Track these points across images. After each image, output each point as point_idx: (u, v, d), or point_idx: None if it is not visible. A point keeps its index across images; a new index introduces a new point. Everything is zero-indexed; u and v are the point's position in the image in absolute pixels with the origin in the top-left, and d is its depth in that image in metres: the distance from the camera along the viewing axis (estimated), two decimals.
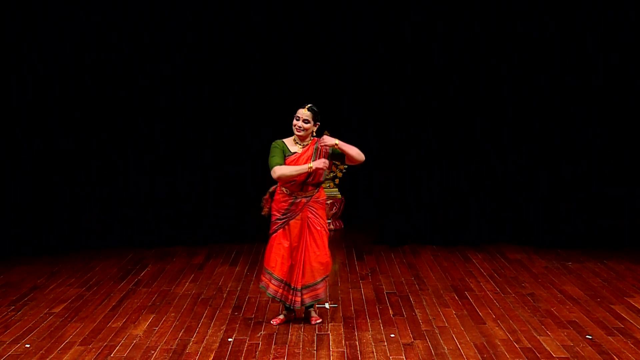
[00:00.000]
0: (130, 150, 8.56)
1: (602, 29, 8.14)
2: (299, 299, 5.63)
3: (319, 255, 5.63)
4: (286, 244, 5.62)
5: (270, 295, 5.71)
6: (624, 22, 8.11)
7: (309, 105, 5.56)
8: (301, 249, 5.62)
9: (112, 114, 8.51)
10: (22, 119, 8.30)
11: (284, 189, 5.61)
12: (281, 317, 5.80)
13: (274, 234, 5.67)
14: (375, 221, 8.88)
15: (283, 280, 5.63)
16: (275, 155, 5.53)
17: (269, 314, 6.04)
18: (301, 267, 5.62)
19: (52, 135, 8.38)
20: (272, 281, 5.66)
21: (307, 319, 5.80)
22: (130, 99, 8.51)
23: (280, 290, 5.65)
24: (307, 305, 5.72)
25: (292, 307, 5.72)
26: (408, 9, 8.39)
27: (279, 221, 5.64)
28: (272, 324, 5.73)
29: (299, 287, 5.62)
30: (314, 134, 5.66)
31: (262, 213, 5.79)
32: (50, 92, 8.35)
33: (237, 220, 8.64)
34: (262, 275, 5.77)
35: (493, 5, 8.29)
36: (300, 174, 5.47)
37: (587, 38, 8.18)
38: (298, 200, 5.60)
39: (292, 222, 5.62)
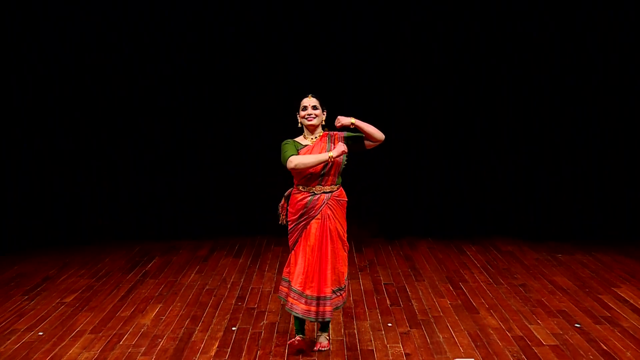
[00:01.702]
0: (137, 150, 8.44)
1: (602, 29, 7.95)
2: (314, 308, 4.86)
3: (336, 265, 4.93)
4: (308, 249, 4.89)
5: (295, 314, 4.95)
6: (624, 22, 7.93)
7: (311, 93, 5.02)
8: (322, 255, 4.89)
9: (112, 113, 8.34)
10: (22, 118, 8.12)
11: (300, 186, 4.95)
12: (299, 338, 5.03)
13: (295, 246, 4.96)
14: (374, 216, 8.81)
15: (302, 292, 4.88)
16: (287, 150, 4.87)
17: (271, 304, 6.04)
18: (317, 276, 4.86)
19: (60, 135, 8.25)
20: (292, 295, 4.92)
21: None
22: (130, 99, 8.34)
23: (302, 306, 4.88)
24: (322, 321, 4.95)
25: (305, 320, 5.00)
26: (408, 9, 8.20)
27: (297, 228, 4.94)
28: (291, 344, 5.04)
29: (314, 297, 4.86)
30: (324, 123, 5.06)
31: (279, 222, 5.15)
32: (50, 92, 8.18)
33: (240, 215, 8.58)
34: (281, 287, 5.08)
35: (493, 5, 8.11)
36: (319, 164, 4.80)
37: (587, 38, 7.99)
38: (317, 196, 4.90)
39: (311, 222, 4.90)
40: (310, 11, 8.45)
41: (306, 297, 4.87)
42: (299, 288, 4.88)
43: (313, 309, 4.86)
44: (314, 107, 4.96)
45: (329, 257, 4.89)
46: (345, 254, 5.00)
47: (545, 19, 8.04)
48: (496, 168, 8.35)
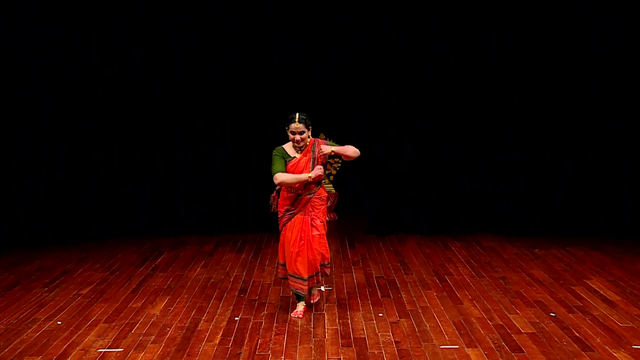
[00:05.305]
0: (148, 151, 8.33)
1: (602, 28, 7.70)
2: (305, 287, 5.47)
3: (320, 246, 5.51)
4: (293, 236, 5.44)
5: (294, 292, 5.56)
6: (624, 22, 7.66)
7: (298, 116, 5.35)
8: (306, 241, 5.45)
9: (113, 113, 8.13)
10: (18, 119, 7.87)
11: (289, 187, 5.48)
12: (301, 308, 5.56)
13: (283, 230, 5.53)
14: (366, 213, 8.79)
15: (293, 274, 5.49)
16: (276, 162, 5.38)
17: (271, 296, 6.04)
18: (306, 258, 5.44)
19: (65, 136, 8.05)
20: (292, 279, 5.51)
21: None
22: (131, 99, 8.10)
23: (295, 284, 5.50)
24: (316, 286, 5.68)
25: (302, 296, 5.57)
26: (408, 9, 7.94)
27: (285, 216, 5.51)
28: (294, 317, 5.47)
29: (306, 277, 5.45)
30: (310, 136, 5.49)
31: (271, 210, 5.63)
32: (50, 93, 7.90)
33: (242, 213, 8.50)
34: (279, 269, 5.72)
35: (493, 5, 7.87)
36: (299, 182, 5.37)
37: (587, 38, 7.74)
38: (302, 196, 5.47)
39: (297, 216, 5.48)
40: (310, 11, 8.20)
41: (302, 279, 5.47)
42: (296, 273, 5.49)
43: (311, 283, 5.52)
44: (301, 132, 5.39)
45: (313, 242, 5.47)
46: (324, 236, 5.57)
47: (545, 19, 7.80)
48: (479, 170, 8.25)
